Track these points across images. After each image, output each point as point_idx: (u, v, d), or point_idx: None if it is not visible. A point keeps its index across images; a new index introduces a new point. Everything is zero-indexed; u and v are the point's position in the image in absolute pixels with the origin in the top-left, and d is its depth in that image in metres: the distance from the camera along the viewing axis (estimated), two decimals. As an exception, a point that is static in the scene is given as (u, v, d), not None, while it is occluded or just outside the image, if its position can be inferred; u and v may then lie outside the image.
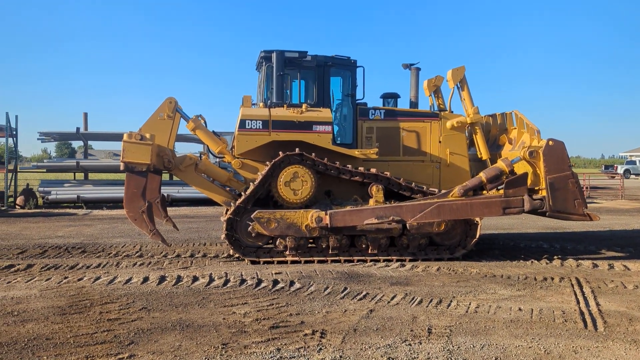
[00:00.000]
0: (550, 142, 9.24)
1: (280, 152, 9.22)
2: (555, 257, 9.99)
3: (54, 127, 24.10)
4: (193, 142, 23.17)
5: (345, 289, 7.57)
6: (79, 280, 8.03)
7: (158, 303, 6.82)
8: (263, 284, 7.79)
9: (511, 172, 9.46)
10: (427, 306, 6.77)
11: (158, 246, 11.06)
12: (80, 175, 23.77)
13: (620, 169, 53.02)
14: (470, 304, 6.85)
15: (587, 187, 28.39)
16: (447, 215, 9.21)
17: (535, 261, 9.69)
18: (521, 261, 9.71)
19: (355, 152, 9.69)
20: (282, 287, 7.64)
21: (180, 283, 7.86)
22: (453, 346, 5.34)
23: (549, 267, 9.30)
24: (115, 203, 20.60)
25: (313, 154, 9.27)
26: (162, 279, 8.07)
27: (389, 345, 5.36)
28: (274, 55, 9.60)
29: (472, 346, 5.35)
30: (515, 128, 10.32)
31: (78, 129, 22.78)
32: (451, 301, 7.00)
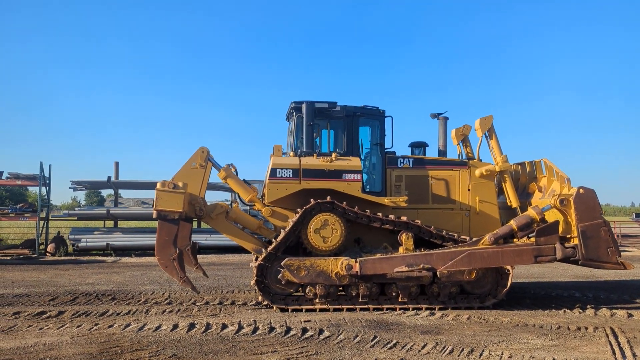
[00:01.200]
0: (581, 190, 9.19)
1: (311, 200, 9.33)
2: (588, 306, 9.77)
3: (83, 176, 24.66)
4: (221, 190, 23.50)
5: (375, 337, 7.50)
6: (110, 327, 8.11)
7: (188, 350, 6.84)
8: (292, 332, 7.76)
9: (542, 220, 9.39)
10: (458, 355, 6.68)
11: (187, 293, 11.13)
12: (110, 223, 24.18)
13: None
14: (502, 354, 6.73)
15: (618, 235, 27.83)
16: (477, 263, 9.14)
17: (568, 310, 9.49)
18: (553, 310, 9.51)
19: (385, 200, 9.77)
20: (311, 335, 7.60)
21: (209, 330, 7.88)
22: (488, 397, 5.24)
23: (582, 316, 9.10)
24: (144, 250, 20.86)
25: (344, 202, 9.36)
26: (191, 326, 8.10)
27: (422, 395, 5.28)
28: (304, 106, 9.87)
29: (508, 397, 5.23)
30: (544, 176, 10.32)
31: (109, 177, 23.32)
32: (483, 350, 6.89)
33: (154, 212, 9.33)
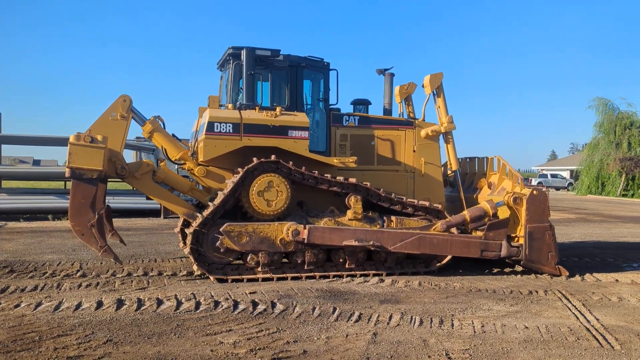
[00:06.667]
0: (535, 192, 9.19)
1: (254, 159, 8.36)
2: (526, 268, 9.84)
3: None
4: (133, 149, 21.24)
5: (335, 309, 6.86)
6: (16, 307, 6.77)
7: (124, 334, 5.80)
8: (241, 306, 6.92)
9: (494, 215, 9.25)
10: (430, 327, 6.23)
11: (102, 263, 9.83)
12: (-10, 184, 21.45)
13: (534, 182, 56.50)
14: (473, 323, 6.38)
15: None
16: (426, 248, 8.84)
17: (512, 274, 9.47)
18: (498, 275, 9.44)
19: (334, 161, 9.00)
20: (265, 310, 6.80)
21: (143, 307, 6.82)
22: (490, 376, 4.79)
23: (525, 278, 9.13)
24: (33, 214, 18.67)
25: (290, 162, 8.48)
26: (119, 302, 6.99)
27: (420, 377, 4.72)
28: (243, 53, 8.73)
29: (510, 375, 4.82)
30: (495, 173, 10.23)
31: (-11, 131, 20.54)
32: (452, 320, 6.50)
33: (67, 170, 7.92)
